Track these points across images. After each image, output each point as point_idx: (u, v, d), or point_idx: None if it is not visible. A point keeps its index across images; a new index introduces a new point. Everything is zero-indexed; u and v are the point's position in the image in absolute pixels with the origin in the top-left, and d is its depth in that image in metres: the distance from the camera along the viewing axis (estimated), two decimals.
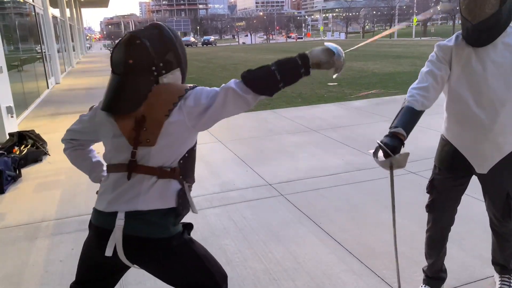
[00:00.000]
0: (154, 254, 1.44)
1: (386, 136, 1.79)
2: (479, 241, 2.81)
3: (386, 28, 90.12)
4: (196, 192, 4.01)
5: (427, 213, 2.26)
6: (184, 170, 1.49)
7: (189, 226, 1.59)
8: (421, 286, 2.35)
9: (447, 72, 1.92)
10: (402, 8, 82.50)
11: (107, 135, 1.49)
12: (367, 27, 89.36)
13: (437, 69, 1.91)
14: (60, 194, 4.05)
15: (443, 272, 2.31)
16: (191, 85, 1.50)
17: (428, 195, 2.21)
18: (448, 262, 2.38)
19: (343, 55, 1.50)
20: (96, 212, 1.48)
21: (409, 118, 1.85)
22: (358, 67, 16.34)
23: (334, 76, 1.58)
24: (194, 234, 2.37)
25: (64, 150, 1.71)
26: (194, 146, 1.55)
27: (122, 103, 1.45)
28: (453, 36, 1.95)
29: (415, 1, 66.62)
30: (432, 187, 2.16)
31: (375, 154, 1.80)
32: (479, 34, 1.81)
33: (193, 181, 1.58)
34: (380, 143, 1.75)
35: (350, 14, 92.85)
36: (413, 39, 52.20)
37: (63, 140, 1.70)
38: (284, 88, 1.49)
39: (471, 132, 1.91)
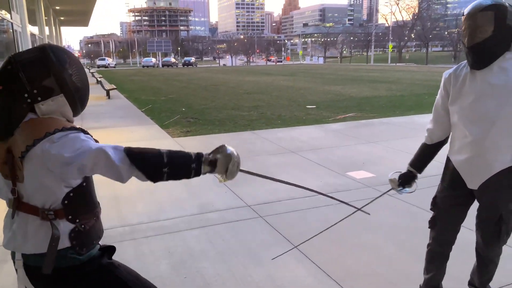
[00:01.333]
0: (68, 283, 1.38)
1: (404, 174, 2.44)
2: (454, 262, 2.85)
3: (363, 53, 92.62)
4: (174, 213, 3.96)
5: (429, 229, 2.31)
6: (71, 210, 1.35)
7: (109, 249, 1.51)
8: None
9: (447, 101, 2.09)
10: (378, 35, 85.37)
11: None
12: (344, 52, 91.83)
13: (441, 98, 2.14)
14: None
15: None
16: (72, 126, 1.35)
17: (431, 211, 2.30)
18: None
19: (238, 162, 1.45)
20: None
21: (421, 152, 2.34)
22: (336, 91, 16.69)
23: (222, 181, 1.50)
24: (173, 257, 2.31)
25: None
26: (84, 182, 1.38)
27: None
28: (459, 64, 2.11)
29: (391, 28, 69.17)
30: (434, 203, 2.24)
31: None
32: (472, 56, 1.94)
33: (93, 215, 1.44)
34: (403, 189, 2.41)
35: (328, 39, 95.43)
36: (389, 65, 53.89)
37: None
38: (168, 178, 1.36)
39: (464, 148, 2.02)
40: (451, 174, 2.14)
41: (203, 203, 4.19)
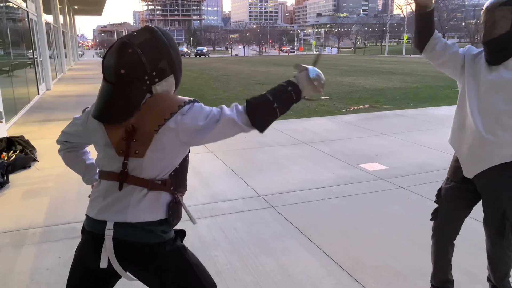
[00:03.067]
0: (147, 259, 1.44)
1: None
2: (467, 257, 2.84)
3: (377, 44, 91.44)
4: (186, 202, 3.95)
5: (431, 222, 2.31)
6: (175, 181, 1.48)
7: (181, 233, 1.58)
8: None
9: (460, 61, 2.02)
10: (393, 26, 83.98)
11: (99, 142, 1.48)
12: (358, 43, 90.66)
13: (459, 51, 2.02)
14: (48, 202, 3.99)
15: (450, 283, 2.33)
16: (189, 99, 1.46)
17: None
18: None
19: (324, 79, 1.54)
20: (88, 218, 1.47)
21: (432, 24, 1.97)
22: (349, 82, 16.54)
23: (321, 98, 1.62)
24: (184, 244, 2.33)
25: (59, 151, 1.70)
26: (187, 156, 1.53)
27: (112, 113, 1.42)
28: (480, 49, 2.05)
29: (406, 18, 67.93)
30: (439, 195, 2.24)
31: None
32: (489, 52, 1.93)
33: (185, 189, 1.57)
34: None
35: (342, 30, 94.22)
36: (403, 56, 53.09)
37: (57, 141, 1.68)
38: (280, 114, 1.50)
39: (467, 136, 2.02)
40: (454, 165, 2.16)
41: (215, 192, 4.22)
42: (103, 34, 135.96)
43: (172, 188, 1.46)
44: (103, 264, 1.40)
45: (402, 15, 75.61)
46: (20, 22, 11.26)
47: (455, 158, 2.17)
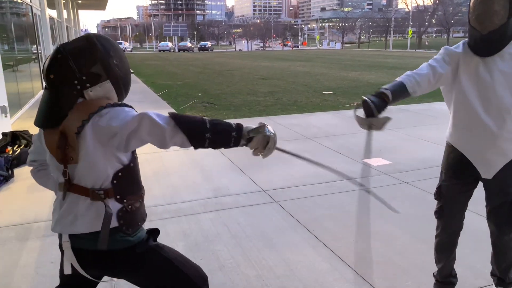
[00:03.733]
0: (119, 264, 1.43)
1: (373, 95, 1.83)
2: (470, 252, 2.83)
3: (382, 39, 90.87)
4: (190, 197, 4.02)
5: (436, 219, 2.28)
6: (119, 190, 1.42)
7: (154, 232, 1.57)
8: None
9: (447, 75, 1.96)
10: (397, 20, 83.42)
11: (47, 153, 1.46)
12: (362, 37, 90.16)
13: (440, 67, 1.94)
14: (53, 195, 3.98)
15: (453, 277, 2.33)
16: (116, 103, 1.41)
17: (436, 202, 2.26)
18: None
19: (275, 142, 1.46)
20: None
21: (398, 90, 1.90)
22: (353, 77, 16.47)
23: (262, 157, 1.50)
24: (188, 239, 2.36)
25: (30, 172, 1.68)
26: (131, 163, 1.45)
27: (44, 118, 1.40)
28: (460, 44, 2.00)
29: (411, 13, 67.46)
30: (439, 193, 2.20)
31: (356, 109, 1.83)
32: (487, 44, 1.86)
33: (138, 197, 1.50)
34: (367, 99, 1.77)
35: (346, 24, 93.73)
36: (408, 51, 52.78)
37: (27, 163, 1.66)
38: (209, 145, 1.39)
39: (478, 138, 1.97)
40: (458, 162, 2.08)
41: (218, 187, 4.23)
42: (106, 29, 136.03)
43: (118, 196, 1.42)
44: (67, 271, 1.42)
45: (407, 10, 75.08)
46: (24, 17, 11.28)
47: (455, 156, 2.08)
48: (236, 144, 1.43)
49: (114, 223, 1.40)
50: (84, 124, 1.34)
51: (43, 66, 1.42)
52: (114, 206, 1.41)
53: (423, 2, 71.91)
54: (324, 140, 6.20)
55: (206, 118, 1.40)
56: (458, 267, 2.41)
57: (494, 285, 2.30)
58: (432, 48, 60.38)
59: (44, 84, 1.44)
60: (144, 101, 10.29)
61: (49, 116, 1.40)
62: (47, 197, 3.95)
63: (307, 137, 6.40)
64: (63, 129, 1.37)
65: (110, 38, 1.52)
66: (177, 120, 1.33)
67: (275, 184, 4.30)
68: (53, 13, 18.04)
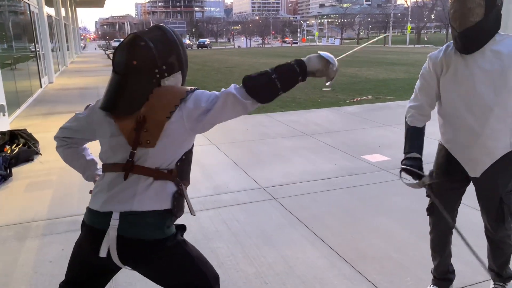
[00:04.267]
0: (148, 255, 1.44)
1: (407, 159, 2.05)
2: (466, 247, 2.82)
3: (381, 34, 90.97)
4: (189, 194, 3.97)
5: (428, 216, 2.29)
6: (181, 172, 1.49)
7: (182, 228, 1.59)
8: (430, 286, 2.38)
9: (436, 84, 2.01)
10: (396, 16, 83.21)
11: (104, 135, 1.48)
12: (361, 33, 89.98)
13: (428, 84, 2.04)
14: (51, 194, 4.01)
15: (451, 273, 2.34)
16: (191, 87, 1.49)
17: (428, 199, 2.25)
18: None
19: (336, 64, 1.53)
20: (89, 212, 1.47)
21: (417, 137, 2.10)
22: (352, 73, 16.44)
23: (327, 84, 1.62)
24: (186, 236, 2.35)
25: (57, 147, 1.69)
26: (191, 148, 1.54)
27: (122, 104, 1.44)
28: (444, 46, 2.01)
29: (410, 9, 67.32)
30: (430, 190, 2.19)
31: (402, 178, 2.06)
32: (465, 41, 1.85)
33: (188, 182, 1.57)
34: (408, 168, 2.00)
35: (345, 20, 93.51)
36: (407, 47, 52.69)
37: (55, 138, 1.68)
38: (283, 91, 1.51)
39: (462, 136, 1.98)
40: (446, 160, 2.09)
41: (217, 184, 4.22)
42: (105, 27, 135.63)
43: (177, 178, 1.48)
44: (103, 253, 1.39)
45: (405, 5, 74.89)
46: (22, 15, 11.24)
47: (444, 155, 2.10)
48: (303, 81, 1.52)
49: (167, 204, 1.45)
50: (177, 108, 1.41)
51: (119, 52, 1.45)
52: (171, 187, 1.46)
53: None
54: (323, 136, 6.19)
55: (274, 76, 1.46)
56: (456, 262, 2.41)
57: (491, 280, 2.30)
58: (431, 44, 60.28)
59: (112, 69, 1.48)
60: None
61: (128, 102, 1.44)
62: (45, 196, 3.95)
63: (307, 133, 6.39)
64: (146, 114, 1.42)
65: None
66: (256, 95, 1.45)
67: (274, 181, 4.29)
68: (51, 11, 17.99)
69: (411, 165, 2.00)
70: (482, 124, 1.89)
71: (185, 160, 1.51)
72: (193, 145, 1.55)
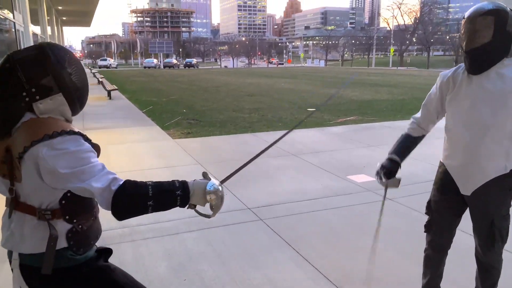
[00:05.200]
0: (64, 284, 1.37)
1: (386, 159, 2.21)
2: (454, 267, 2.84)
3: (364, 56, 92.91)
4: (173, 215, 3.95)
5: (425, 233, 2.32)
6: (68, 209, 1.34)
7: (106, 251, 1.50)
8: None
9: (443, 101, 2.10)
10: (379, 38, 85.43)
11: None
12: (346, 55, 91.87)
13: (431, 99, 2.18)
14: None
15: None
16: (63, 130, 1.29)
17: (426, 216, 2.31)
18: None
19: (222, 195, 1.44)
20: None
21: (405, 142, 2.25)
22: (337, 94, 16.67)
23: (209, 218, 1.48)
24: (171, 259, 2.29)
25: None
26: None
27: None
28: (456, 67, 2.10)
29: (392, 32, 69.20)
30: (429, 208, 2.24)
31: (377, 174, 2.21)
32: (470, 62, 1.94)
33: (91, 215, 1.42)
34: (379, 168, 2.17)
35: (330, 42, 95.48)
36: (390, 68, 53.91)
37: None
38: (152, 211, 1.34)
39: (458, 153, 2.03)
40: (442, 177, 2.15)
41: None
42: (91, 45, 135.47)
43: (67, 217, 1.34)
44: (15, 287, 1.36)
45: (388, 28, 77.02)
46: (7, 33, 11.16)
47: (442, 171, 2.16)
48: (183, 205, 1.36)
49: (63, 243, 1.34)
50: (26, 150, 1.26)
51: None
52: (63, 226, 1.34)
53: (404, 21, 73.75)
54: (309, 156, 6.22)
55: (151, 193, 1.30)
56: (442, 282, 2.41)
57: None
58: (413, 66, 61.85)
59: None
60: (127, 118, 10.21)
61: None
62: None
63: (293, 153, 6.42)
64: (9, 145, 1.30)
65: (65, 47, 1.44)
66: (115, 206, 1.26)
67: (260, 202, 4.27)
68: (37, 29, 17.93)
69: (383, 166, 2.18)
70: (477, 143, 1.94)
71: (73, 198, 1.33)
72: None
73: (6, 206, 1.38)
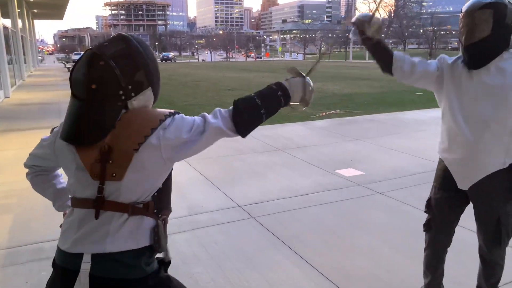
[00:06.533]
0: None
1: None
2: (453, 264, 2.83)
3: (341, 50, 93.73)
4: None
5: (424, 232, 2.27)
6: (158, 203, 1.34)
7: (165, 263, 1.44)
8: None
9: (434, 76, 2.02)
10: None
11: (70, 166, 1.31)
12: (323, 49, 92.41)
13: (430, 65, 2.03)
14: (12, 220, 3.70)
15: None
16: (169, 111, 1.33)
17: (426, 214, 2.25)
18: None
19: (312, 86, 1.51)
20: (59, 251, 1.30)
21: (387, 51, 2.02)
22: (318, 88, 16.71)
23: (303, 109, 1.58)
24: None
25: (27, 175, 1.54)
26: (170, 174, 1.39)
27: (84, 133, 1.27)
28: (455, 57, 2.03)
29: None
30: (429, 206, 2.20)
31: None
32: (469, 56, 1.89)
33: (169, 211, 1.42)
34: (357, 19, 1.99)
35: (307, 36, 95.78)
36: (367, 62, 54.55)
37: (25, 165, 1.52)
38: (266, 118, 1.43)
39: (457, 148, 1.99)
40: (442, 174, 2.12)
41: (192, 204, 4.06)
42: (64, 39, 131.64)
43: (155, 211, 1.32)
44: None
45: None
46: None
47: (442, 168, 2.12)
48: (286, 103, 1.45)
49: (146, 241, 1.30)
50: (147, 139, 1.25)
51: (76, 73, 1.26)
52: (150, 222, 1.31)
53: (380, 15, 74.47)
54: (296, 151, 6.17)
55: (263, 112, 1.38)
56: (444, 281, 2.40)
57: None
58: None
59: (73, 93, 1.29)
60: None
61: (90, 132, 1.26)
62: (5, 222, 3.64)
63: (279, 148, 6.35)
64: (111, 144, 1.25)
65: (141, 39, 1.38)
66: (243, 132, 1.36)
67: (251, 199, 4.19)
68: (7, 22, 17.20)
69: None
70: (477, 137, 1.90)
71: (163, 190, 1.36)
72: (171, 171, 1.39)
73: (82, 207, 1.29)
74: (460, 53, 2.04)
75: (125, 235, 1.27)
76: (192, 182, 4.77)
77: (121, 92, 1.24)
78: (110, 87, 1.23)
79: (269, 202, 4.12)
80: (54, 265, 1.32)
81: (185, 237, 3.34)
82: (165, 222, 1.38)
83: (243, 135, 1.36)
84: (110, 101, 1.25)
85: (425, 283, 2.32)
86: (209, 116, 1.34)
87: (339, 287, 2.62)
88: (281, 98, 1.41)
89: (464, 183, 2.01)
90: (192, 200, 4.16)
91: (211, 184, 4.68)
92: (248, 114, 1.36)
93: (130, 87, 1.25)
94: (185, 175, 4.99)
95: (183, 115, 1.35)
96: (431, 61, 2.06)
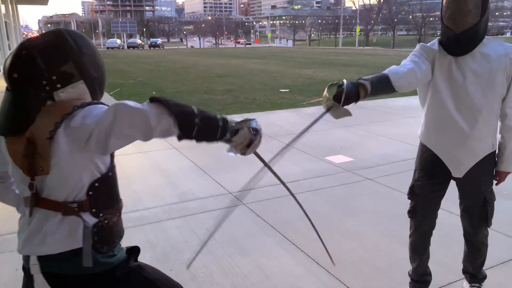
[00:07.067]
0: None
1: (353, 83, 1.81)
2: (438, 247, 2.89)
3: (331, 36, 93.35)
4: (153, 203, 3.82)
5: (409, 218, 2.29)
6: (95, 202, 1.26)
7: (134, 251, 1.42)
8: None
9: (429, 70, 1.95)
10: (345, 18, 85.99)
11: (8, 165, 1.28)
12: (313, 35, 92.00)
13: (422, 63, 1.92)
14: (3, 209, 3.65)
15: (428, 275, 2.35)
16: (88, 102, 1.25)
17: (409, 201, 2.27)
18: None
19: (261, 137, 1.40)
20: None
21: (381, 82, 1.85)
22: (308, 74, 16.71)
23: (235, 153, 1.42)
24: (153, 250, 2.19)
25: None
26: (109, 172, 1.29)
27: (8, 123, 1.23)
28: (435, 41, 2.00)
29: (358, 11, 69.77)
30: (413, 193, 2.20)
31: (331, 86, 1.86)
32: (461, 43, 1.87)
33: (116, 210, 1.36)
34: (344, 87, 1.77)
35: (297, 22, 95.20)
36: (357, 48, 54.59)
37: None
38: (196, 133, 1.25)
39: (449, 137, 1.98)
40: (430, 162, 2.09)
41: (182, 191, 4.06)
42: (49, 25, 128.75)
43: (94, 210, 1.26)
44: None
45: (354, 8, 77.58)
46: None
47: (429, 156, 2.08)
48: (222, 136, 1.31)
49: (88, 241, 1.25)
50: (58, 127, 1.18)
51: (5, 63, 1.24)
52: (89, 220, 1.26)
53: (369, 1, 74.65)
54: (286, 138, 6.14)
55: (192, 105, 1.28)
56: (430, 263, 2.44)
57: (467, 282, 2.34)
58: (378, 45, 62.84)
59: (6, 85, 1.25)
60: None
61: (13, 121, 1.22)
62: None
63: (269, 135, 6.35)
64: (31, 136, 1.20)
65: (83, 34, 1.35)
66: (163, 101, 1.18)
67: (241, 186, 4.18)
68: None
69: (347, 91, 1.79)
70: (471, 125, 1.91)
71: (101, 188, 1.27)
72: (111, 168, 1.30)
73: (25, 206, 1.26)
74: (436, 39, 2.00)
75: (63, 235, 1.23)
76: (182, 169, 4.76)
77: (44, 82, 1.21)
78: (31, 75, 1.21)
79: (259, 189, 4.12)
80: (23, 267, 1.32)
81: (176, 224, 3.34)
82: (108, 222, 1.30)
83: (169, 108, 1.18)
84: (32, 90, 1.22)
85: (413, 267, 2.35)
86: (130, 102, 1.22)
87: (329, 272, 2.66)
88: (218, 129, 1.29)
89: (459, 171, 2.02)
90: (183, 188, 4.16)
91: (201, 171, 4.67)
92: (178, 106, 1.22)
93: (54, 77, 1.22)
94: (175, 162, 4.97)
95: (105, 105, 1.23)
96: (417, 58, 1.93)
